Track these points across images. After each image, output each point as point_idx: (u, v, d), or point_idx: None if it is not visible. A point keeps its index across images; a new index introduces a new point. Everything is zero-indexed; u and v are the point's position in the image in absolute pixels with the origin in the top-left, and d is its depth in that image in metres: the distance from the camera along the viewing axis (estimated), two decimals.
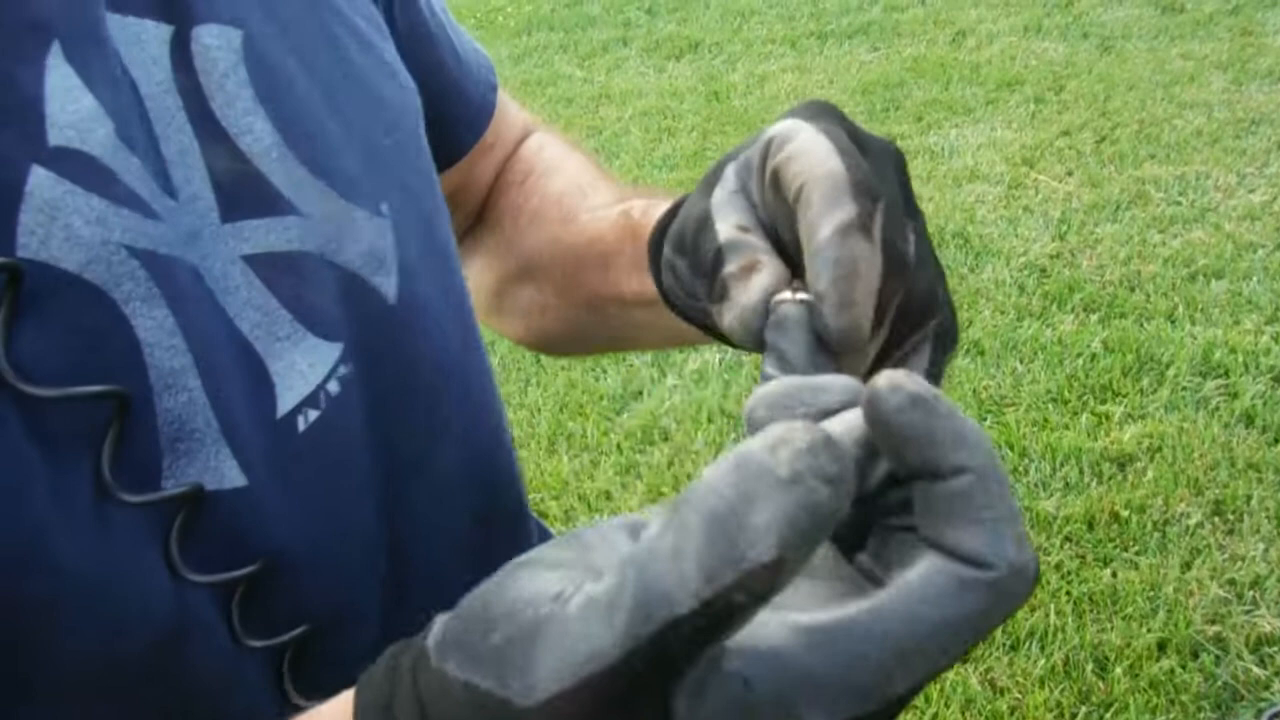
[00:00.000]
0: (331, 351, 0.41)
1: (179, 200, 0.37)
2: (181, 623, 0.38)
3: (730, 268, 0.38)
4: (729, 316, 0.37)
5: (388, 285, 0.44)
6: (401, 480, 0.45)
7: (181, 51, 0.39)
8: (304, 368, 0.40)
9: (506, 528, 0.54)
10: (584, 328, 0.57)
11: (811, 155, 0.37)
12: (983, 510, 0.25)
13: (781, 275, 0.37)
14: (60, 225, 0.34)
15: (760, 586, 0.22)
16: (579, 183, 0.59)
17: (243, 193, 0.39)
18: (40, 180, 0.34)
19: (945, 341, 0.41)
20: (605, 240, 0.53)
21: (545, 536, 0.59)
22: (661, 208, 0.48)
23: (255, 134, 0.40)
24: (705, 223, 0.40)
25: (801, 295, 0.36)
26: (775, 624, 0.24)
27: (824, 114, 0.40)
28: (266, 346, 0.39)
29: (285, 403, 0.39)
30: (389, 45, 0.49)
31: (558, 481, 2.37)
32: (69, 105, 0.35)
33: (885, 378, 0.25)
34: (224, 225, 0.39)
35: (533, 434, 2.54)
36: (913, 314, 0.39)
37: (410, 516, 0.45)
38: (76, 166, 0.34)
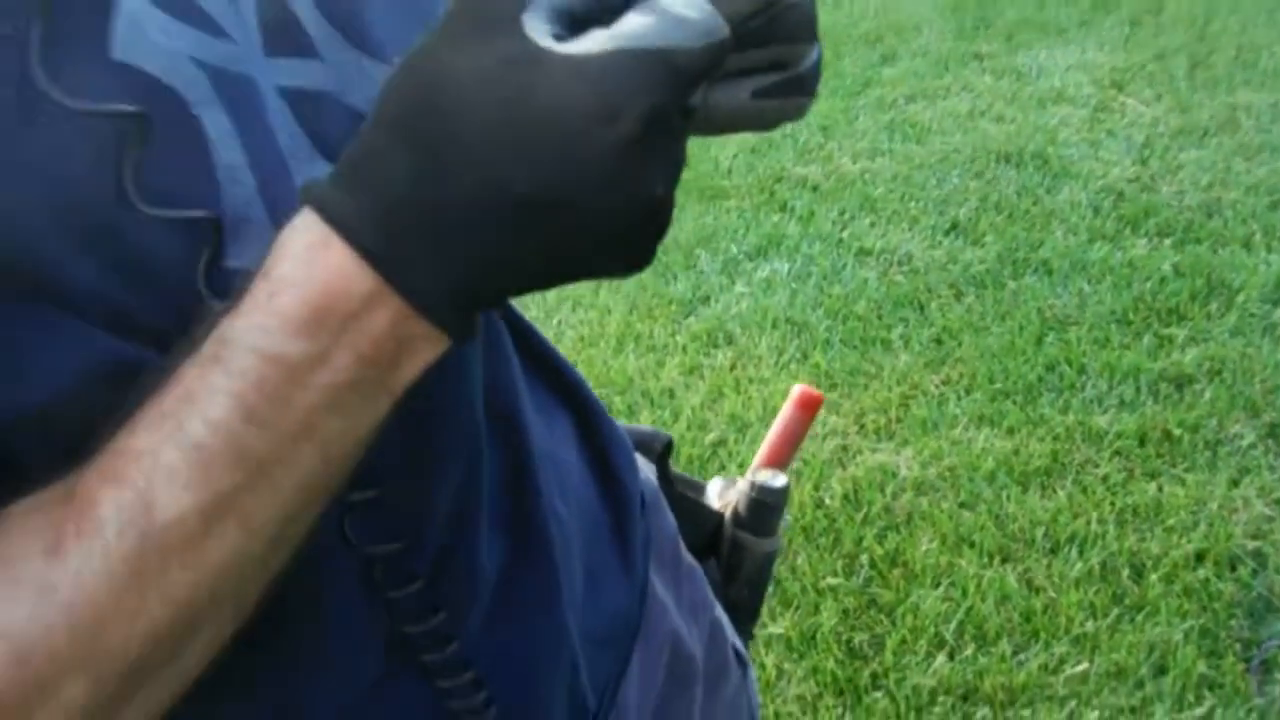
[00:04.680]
0: None
1: (239, 28, 0.44)
2: None
3: None
4: None
5: None
6: None
7: None
8: None
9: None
10: None
11: None
12: None
13: None
14: (144, 35, 0.41)
15: None
16: None
17: (283, 33, 0.45)
18: None
19: (794, 84, 0.44)
20: None
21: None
22: None
23: None
24: None
25: None
26: None
27: None
28: (295, 166, 0.45)
29: None
30: None
31: (623, 379, 2.47)
32: None
33: None
34: (266, 59, 0.45)
35: (602, 334, 2.63)
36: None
37: None
38: None
